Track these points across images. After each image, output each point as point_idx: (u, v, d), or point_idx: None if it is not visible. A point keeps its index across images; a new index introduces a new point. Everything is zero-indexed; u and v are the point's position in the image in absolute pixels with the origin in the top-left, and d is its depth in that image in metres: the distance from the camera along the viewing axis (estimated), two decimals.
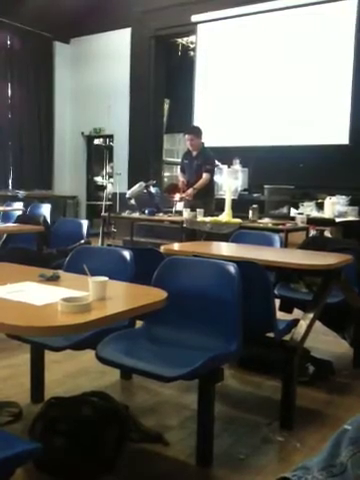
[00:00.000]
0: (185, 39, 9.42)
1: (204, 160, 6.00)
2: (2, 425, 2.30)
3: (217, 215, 5.36)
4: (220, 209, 5.50)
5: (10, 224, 4.84)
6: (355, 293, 3.12)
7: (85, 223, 4.74)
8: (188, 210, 5.70)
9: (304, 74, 7.46)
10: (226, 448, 2.24)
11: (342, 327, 3.35)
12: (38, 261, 2.91)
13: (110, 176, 10.49)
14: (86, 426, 2.02)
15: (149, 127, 9.21)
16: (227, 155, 6.97)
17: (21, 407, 2.48)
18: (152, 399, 2.73)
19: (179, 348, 2.19)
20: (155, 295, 1.90)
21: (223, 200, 5.41)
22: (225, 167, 6.58)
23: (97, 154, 10.76)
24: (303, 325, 2.54)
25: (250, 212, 5.38)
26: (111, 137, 10.15)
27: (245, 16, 7.98)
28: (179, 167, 6.52)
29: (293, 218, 5.55)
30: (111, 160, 10.30)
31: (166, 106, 9.76)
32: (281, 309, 3.33)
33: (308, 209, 6.57)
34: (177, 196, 6.08)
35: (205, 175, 5.91)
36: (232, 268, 2.22)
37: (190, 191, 5.89)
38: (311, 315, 2.58)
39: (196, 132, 6.06)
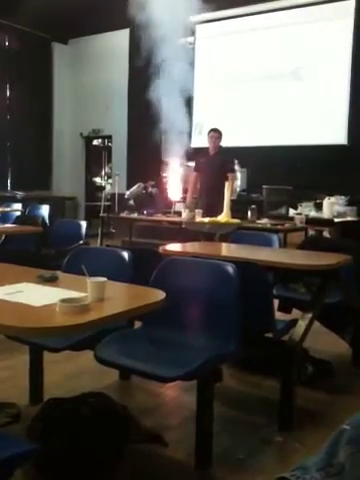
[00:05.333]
0: (184, 39, 9.41)
1: (225, 160, 6.07)
2: (1, 426, 2.29)
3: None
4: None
5: (9, 225, 4.83)
6: (354, 293, 3.12)
7: (84, 224, 4.74)
8: (187, 211, 5.70)
9: (302, 74, 7.47)
10: (225, 448, 2.23)
11: (341, 327, 3.35)
12: (37, 262, 2.90)
13: (109, 177, 10.49)
14: (85, 427, 2.02)
15: (148, 127, 9.20)
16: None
17: (20, 408, 2.47)
18: (151, 399, 2.73)
19: (178, 348, 2.19)
20: (154, 296, 1.90)
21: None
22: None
23: (96, 155, 10.76)
24: (302, 325, 2.54)
25: (249, 212, 5.39)
26: (110, 138, 10.16)
27: (244, 17, 7.99)
28: (194, 166, 6.54)
29: (292, 218, 5.56)
30: (110, 161, 10.31)
31: (165, 106, 9.74)
32: (280, 309, 3.33)
33: (307, 209, 6.58)
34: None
35: (231, 175, 5.95)
36: (231, 268, 2.22)
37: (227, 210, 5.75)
38: (310, 315, 2.58)
39: (219, 131, 6.16)
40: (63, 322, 1.57)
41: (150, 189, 6.55)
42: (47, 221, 5.77)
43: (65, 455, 1.96)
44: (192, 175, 6.46)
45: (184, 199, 6.80)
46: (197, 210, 5.56)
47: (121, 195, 7.84)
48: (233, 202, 5.42)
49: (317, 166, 7.04)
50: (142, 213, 6.22)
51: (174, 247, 3.29)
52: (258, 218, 5.38)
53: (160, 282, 2.27)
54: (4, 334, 2.10)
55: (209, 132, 6.23)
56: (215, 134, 6.14)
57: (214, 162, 6.05)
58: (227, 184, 5.27)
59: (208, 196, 6.01)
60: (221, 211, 5.32)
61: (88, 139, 10.48)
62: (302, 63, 7.47)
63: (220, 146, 6.17)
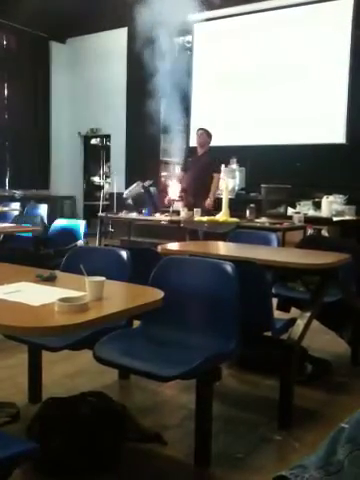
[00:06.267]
0: (182, 38, 9.41)
1: (211, 160, 6.12)
2: (0, 426, 2.29)
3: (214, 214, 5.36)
4: (218, 209, 5.51)
5: (7, 224, 4.83)
6: (352, 292, 3.12)
7: (82, 223, 4.75)
8: (185, 210, 5.71)
9: (301, 73, 7.46)
10: (224, 447, 2.24)
11: (340, 326, 3.36)
12: (35, 261, 2.90)
13: (107, 176, 10.48)
14: (84, 426, 2.02)
15: (146, 127, 9.20)
16: (224, 154, 6.97)
17: (19, 408, 2.47)
18: (150, 399, 2.73)
19: (177, 347, 2.19)
20: (152, 295, 1.90)
21: (220, 199, 5.42)
22: (222, 166, 6.63)
23: (94, 154, 10.75)
24: (300, 324, 2.54)
25: (247, 211, 5.38)
26: (108, 137, 10.15)
27: (242, 15, 7.98)
28: (181, 166, 6.65)
29: (290, 217, 5.56)
30: (108, 160, 10.30)
31: (163, 105, 9.75)
32: (279, 308, 3.33)
33: (305, 208, 6.59)
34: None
35: (216, 175, 6.00)
36: (229, 267, 2.22)
37: (210, 201, 5.93)
38: (308, 314, 2.59)
39: (208, 131, 6.25)
40: (62, 321, 1.56)
41: (149, 188, 6.55)
42: (45, 220, 5.77)
43: (64, 454, 1.96)
44: (180, 175, 6.54)
45: (181, 198, 6.84)
46: (195, 209, 5.56)
47: (119, 194, 7.83)
48: (231, 201, 5.43)
49: (316, 165, 7.04)
50: (140, 212, 6.21)
51: (173, 246, 3.29)
52: (257, 217, 5.38)
53: (159, 281, 2.27)
54: (3, 333, 2.10)
55: (197, 130, 6.29)
56: (199, 131, 6.24)
57: (200, 162, 6.11)
58: (224, 183, 5.29)
59: (193, 195, 6.06)
60: (205, 211, 5.44)
61: (86, 138, 10.46)
62: (301, 61, 7.46)
63: (209, 147, 6.23)
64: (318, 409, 2.66)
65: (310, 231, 6.00)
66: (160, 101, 9.39)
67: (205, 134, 6.19)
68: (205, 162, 6.05)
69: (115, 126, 9.60)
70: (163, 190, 8.45)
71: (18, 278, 2.08)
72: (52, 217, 6.22)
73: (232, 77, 8.10)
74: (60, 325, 1.55)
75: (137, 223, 7.30)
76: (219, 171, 6.17)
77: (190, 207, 5.73)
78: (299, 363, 2.80)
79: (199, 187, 6.00)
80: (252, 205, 5.44)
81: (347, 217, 6.21)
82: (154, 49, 8.80)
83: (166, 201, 6.73)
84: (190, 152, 6.75)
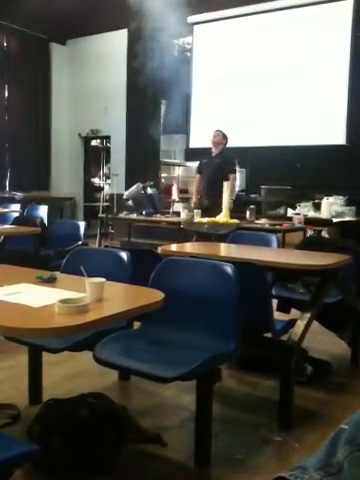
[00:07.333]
0: (182, 40, 9.42)
1: (226, 160, 6.13)
2: (0, 427, 2.29)
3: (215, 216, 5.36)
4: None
5: (7, 226, 4.83)
6: (353, 293, 3.12)
7: (82, 224, 4.75)
8: (186, 211, 5.71)
9: (301, 74, 7.47)
10: (224, 448, 2.24)
11: (340, 327, 3.36)
12: (35, 262, 2.91)
13: (107, 177, 10.48)
14: (84, 427, 2.02)
15: (146, 128, 9.21)
16: None
17: (19, 409, 2.47)
18: (150, 400, 2.73)
19: (177, 349, 2.19)
20: (152, 296, 1.90)
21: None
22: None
23: (94, 155, 10.75)
24: (300, 325, 2.54)
25: (247, 212, 5.38)
26: (108, 138, 10.15)
27: (242, 17, 7.99)
28: (196, 168, 6.64)
29: (290, 218, 5.56)
30: (108, 161, 10.30)
31: (163, 107, 9.76)
32: (279, 309, 3.33)
33: (305, 209, 6.58)
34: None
35: (232, 175, 6.03)
36: (229, 269, 2.22)
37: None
38: (308, 315, 2.59)
39: (224, 133, 6.27)
40: (62, 323, 1.57)
41: (148, 189, 6.56)
42: (46, 222, 5.77)
43: (64, 456, 1.96)
44: (196, 177, 6.50)
45: (181, 199, 6.84)
46: (196, 210, 5.56)
47: (119, 195, 7.84)
48: (232, 202, 5.44)
49: (316, 166, 7.05)
50: (141, 213, 6.21)
51: (173, 247, 3.29)
52: (257, 218, 5.38)
53: (159, 282, 2.27)
54: (3, 335, 2.10)
55: (214, 131, 6.32)
56: (215, 132, 6.25)
57: (214, 163, 6.10)
58: (226, 184, 5.28)
59: (209, 197, 6.06)
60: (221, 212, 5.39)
61: (86, 139, 10.47)
62: (301, 63, 7.47)
63: (225, 148, 6.24)
64: (318, 410, 2.67)
65: (310, 232, 6.00)
66: (160, 102, 9.40)
67: (221, 135, 6.22)
68: (219, 163, 6.05)
69: (115, 127, 9.61)
70: (166, 191, 8.45)
71: (18, 279, 2.08)
72: (52, 218, 6.23)
73: (232, 78, 8.11)
74: (60, 326, 1.55)
75: (137, 224, 7.31)
76: (234, 172, 6.21)
77: (204, 208, 5.70)
78: (299, 364, 2.80)
79: (213, 188, 5.98)
80: (252, 206, 5.44)
81: (347, 218, 6.21)
82: (154, 50, 8.81)
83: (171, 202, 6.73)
84: (195, 153, 6.76)
